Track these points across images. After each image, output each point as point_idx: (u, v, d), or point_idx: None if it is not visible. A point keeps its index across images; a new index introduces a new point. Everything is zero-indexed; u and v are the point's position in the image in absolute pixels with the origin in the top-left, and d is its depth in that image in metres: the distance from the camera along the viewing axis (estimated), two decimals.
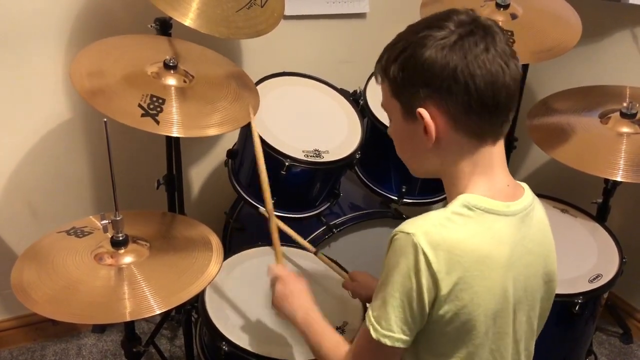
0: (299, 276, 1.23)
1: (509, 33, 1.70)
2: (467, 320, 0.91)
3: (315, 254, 1.48)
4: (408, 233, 0.88)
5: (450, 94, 0.88)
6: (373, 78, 1.91)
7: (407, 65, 0.89)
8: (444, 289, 0.88)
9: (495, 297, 0.92)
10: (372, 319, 0.93)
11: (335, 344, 1.06)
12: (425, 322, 0.92)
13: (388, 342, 0.91)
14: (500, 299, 0.92)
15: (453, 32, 0.88)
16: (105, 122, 1.15)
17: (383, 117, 1.83)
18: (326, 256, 1.50)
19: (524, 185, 1.00)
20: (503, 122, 0.92)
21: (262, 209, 1.40)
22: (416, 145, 0.94)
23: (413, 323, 0.91)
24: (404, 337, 0.91)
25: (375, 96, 1.89)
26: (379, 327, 0.92)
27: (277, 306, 1.19)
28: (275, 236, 1.34)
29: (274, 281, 1.22)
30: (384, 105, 0.98)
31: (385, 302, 0.91)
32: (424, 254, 0.87)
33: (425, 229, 0.88)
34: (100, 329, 2.10)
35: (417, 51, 0.88)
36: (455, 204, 0.92)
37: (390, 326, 0.91)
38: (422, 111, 0.90)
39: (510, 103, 0.91)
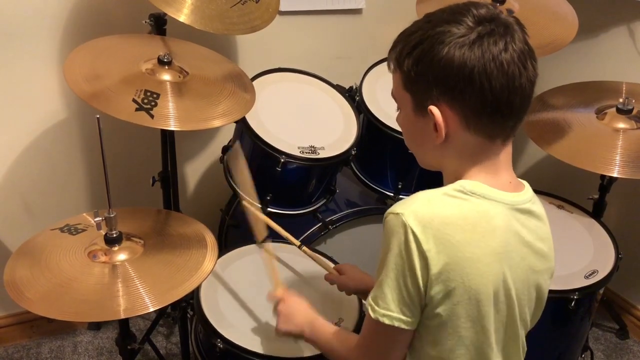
0: (297, 295, 1.24)
1: None
2: (458, 303, 0.90)
3: (299, 247, 1.48)
4: (397, 213, 0.88)
5: (464, 94, 0.87)
6: (369, 74, 1.93)
7: (422, 61, 0.88)
8: (434, 268, 0.87)
9: (487, 281, 0.90)
10: (370, 300, 0.93)
11: (344, 339, 1.07)
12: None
13: (387, 321, 0.91)
14: (493, 284, 0.91)
15: (472, 29, 0.86)
16: (97, 118, 1.14)
17: (379, 113, 1.83)
18: (312, 249, 1.51)
19: (525, 182, 1.00)
20: (515, 124, 0.91)
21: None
22: (424, 139, 0.93)
23: (412, 303, 0.90)
24: (404, 318, 0.91)
25: (371, 92, 1.89)
26: (376, 307, 0.92)
27: (284, 328, 1.20)
28: (271, 265, 1.34)
29: (275, 305, 1.24)
30: (394, 95, 0.96)
31: (382, 283, 0.91)
32: (413, 233, 0.87)
33: (414, 208, 0.88)
34: (96, 326, 2.09)
35: (434, 47, 0.86)
36: (449, 187, 0.91)
37: (387, 304, 0.91)
38: (434, 109, 0.89)
39: (524, 105, 0.90)
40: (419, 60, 0.88)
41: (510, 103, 0.88)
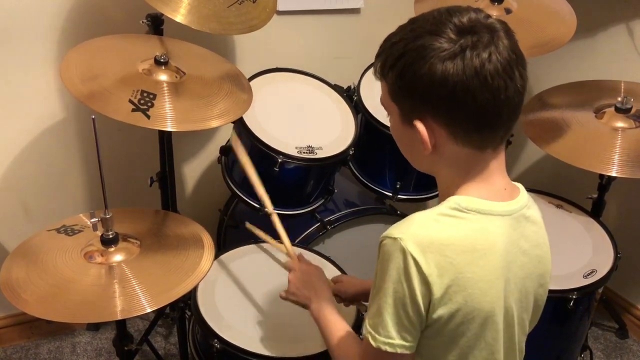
0: (316, 267, 1.23)
1: None
2: (462, 323, 0.89)
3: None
4: (395, 238, 0.86)
5: (449, 110, 0.85)
6: (367, 74, 1.92)
7: (405, 76, 0.85)
8: (437, 292, 0.86)
9: (491, 298, 0.90)
10: (369, 328, 0.91)
11: (346, 346, 1.05)
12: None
13: (389, 349, 0.89)
14: (495, 300, 0.91)
15: (454, 41, 0.82)
16: (93, 118, 1.14)
17: (377, 113, 1.82)
18: (310, 250, 1.51)
19: (520, 186, 0.98)
20: (506, 133, 0.89)
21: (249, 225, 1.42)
22: (414, 148, 0.92)
23: (412, 328, 0.89)
24: (406, 343, 0.90)
25: (369, 92, 1.88)
26: (377, 335, 0.90)
27: (291, 297, 1.20)
28: (282, 233, 1.33)
29: (290, 269, 1.24)
30: (382, 103, 0.95)
31: (381, 309, 0.89)
32: (413, 258, 0.85)
33: (412, 232, 0.86)
34: (94, 326, 2.09)
35: (415, 63, 0.84)
36: (444, 206, 0.90)
37: (388, 332, 0.89)
38: (418, 124, 0.87)
39: (513, 115, 0.87)
40: (401, 74, 0.86)
41: (497, 115, 0.85)
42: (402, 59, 0.86)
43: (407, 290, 0.86)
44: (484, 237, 0.89)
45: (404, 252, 0.85)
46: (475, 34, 0.83)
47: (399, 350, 0.89)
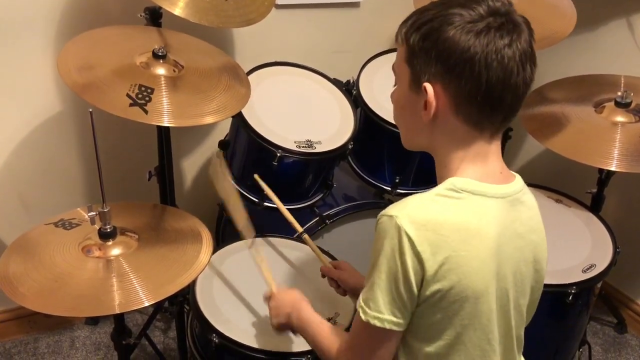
0: (289, 288, 1.24)
1: None
2: (455, 301, 0.90)
3: (301, 234, 1.47)
4: (391, 216, 0.89)
5: (460, 78, 0.88)
6: (366, 68, 1.92)
7: (428, 38, 0.89)
8: (430, 269, 0.88)
9: (484, 277, 0.91)
10: (362, 302, 0.94)
11: (329, 334, 1.07)
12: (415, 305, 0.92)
13: (378, 324, 0.91)
14: (489, 280, 0.92)
15: (483, 18, 0.87)
16: (90, 112, 1.13)
17: (376, 107, 1.82)
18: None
19: (515, 174, 1.00)
20: (504, 120, 0.92)
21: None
22: (413, 117, 0.94)
23: (403, 305, 0.91)
24: (395, 319, 0.91)
25: (368, 86, 1.88)
26: (367, 309, 0.92)
27: (274, 321, 1.20)
28: (263, 266, 1.33)
29: (267, 298, 1.24)
30: (394, 68, 0.98)
31: (373, 285, 0.91)
32: (407, 235, 0.87)
33: (408, 211, 0.89)
34: (93, 321, 2.09)
35: (442, 27, 0.87)
36: (441, 187, 0.92)
37: (378, 307, 0.91)
38: (427, 86, 0.90)
39: (515, 104, 0.91)
40: (425, 36, 0.89)
41: (501, 98, 0.89)
42: (430, 23, 0.89)
43: (400, 267, 0.88)
44: (477, 218, 0.91)
45: (398, 229, 0.88)
46: (503, 17, 0.88)
47: (387, 326, 0.92)
